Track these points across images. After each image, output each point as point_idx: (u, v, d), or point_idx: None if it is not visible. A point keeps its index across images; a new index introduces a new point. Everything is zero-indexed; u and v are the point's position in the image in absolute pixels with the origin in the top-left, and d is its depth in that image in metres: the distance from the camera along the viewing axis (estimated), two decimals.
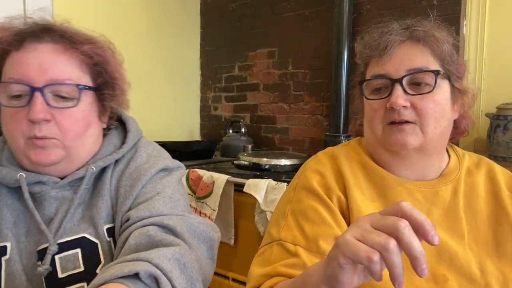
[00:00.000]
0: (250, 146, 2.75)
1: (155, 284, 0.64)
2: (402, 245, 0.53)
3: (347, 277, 0.58)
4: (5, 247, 0.74)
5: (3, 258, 0.73)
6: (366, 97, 0.88)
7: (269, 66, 3.00)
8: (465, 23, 2.20)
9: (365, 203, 0.85)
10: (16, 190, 0.80)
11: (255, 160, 2.28)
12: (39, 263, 0.75)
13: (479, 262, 0.81)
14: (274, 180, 1.98)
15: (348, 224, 0.84)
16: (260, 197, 1.96)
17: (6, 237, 0.75)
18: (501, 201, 0.86)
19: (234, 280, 2.13)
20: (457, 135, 0.94)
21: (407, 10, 2.33)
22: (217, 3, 3.30)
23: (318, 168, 0.90)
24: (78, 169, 0.82)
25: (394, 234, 0.53)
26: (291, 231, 0.84)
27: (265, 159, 2.29)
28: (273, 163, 2.25)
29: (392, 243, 0.53)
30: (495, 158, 1.97)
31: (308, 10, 2.78)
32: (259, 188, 1.97)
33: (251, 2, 3.08)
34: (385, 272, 0.78)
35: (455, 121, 0.91)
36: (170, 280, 0.64)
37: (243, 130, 2.97)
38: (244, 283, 0.87)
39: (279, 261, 0.81)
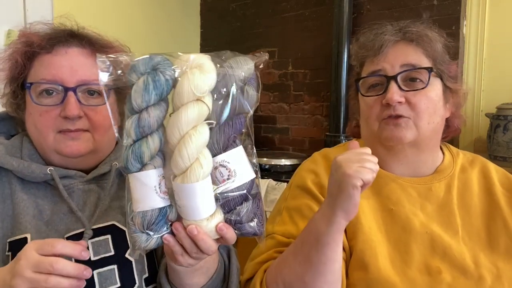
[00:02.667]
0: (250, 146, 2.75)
1: (226, 254, 0.86)
2: None
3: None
4: (25, 238, 0.78)
5: None
6: (362, 94, 0.91)
7: (269, 66, 3.00)
8: (465, 23, 2.20)
9: (360, 201, 0.86)
10: (35, 184, 0.84)
11: (255, 160, 2.28)
12: None
13: (473, 255, 0.83)
14: (274, 180, 1.98)
15: None
16: None
17: (26, 229, 0.78)
18: (494, 197, 0.89)
19: None
20: (450, 134, 0.97)
21: (407, 10, 2.33)
22: (217, 3, 3.30)
23: (312, 167, 0.93)
24: (99, 163, 0.88)
25: None
26: (284, 225, 0.87)
27: (265, 159, 2.29)
28: (273, 163, 2.25)
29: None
30: (495, 158, 1.98)
31: (308, 10, 2.78)
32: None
33: (251, 2, 3.08)
34: (382, 266, 0.79)
35: (447, 120, 0.94)
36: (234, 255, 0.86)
37: (245, 129, 2.97)
38: None
39: (272, 250, 0.84)
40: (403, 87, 0.85)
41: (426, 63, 0.86)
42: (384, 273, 0.79)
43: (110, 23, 2.68)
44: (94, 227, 0.81)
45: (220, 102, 0.61)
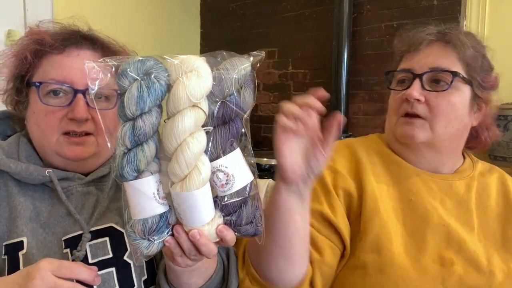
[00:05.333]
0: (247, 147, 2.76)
1: (225, 255, 0.84)
2: None
3: None
4: (21, 242, 0.77)
5: (20, 253, 0.76)
6: (389, 88, 0.94)
7: (269, 66, 3.00)
8: (465, 23, 2.20)
9: (380, 188, 0.88)
10: (33, 186, 0.83)
11: (252, 160, 2.29)
12: (66, 250, 0.79)
13: (487, 253, 0.84)
14: (274, 180, 1.97)
15: (358, 206, 0.86)
16: None
17: (22, 232, 0.78)
18: (511, 202, 0.91)
19: None
20: (477, 145, 0.97)
21: (407, 10, 2.33)
22: (217, 3, 3.30)
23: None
24: (99, 166, 0.87)
25: None
26: None
27: (265, 159, 2.29)
28: (273, 163, 2.24)
29: None
30: (495, 158, 1.97)
31: (308, 10, 2.78)
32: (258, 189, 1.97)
33: (251, 2, 3.08)
34: (396, 251, 0.80)
35: (475, 130, 0.94)
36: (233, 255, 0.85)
37: (243, 130, 2.97)
38: None
39: None
40: (426, 86, 0.86)
41: (458, 67, 0.87)
42: (398, 257, 0.80)
43: (110, 23, 2.68)
44: (92, 229, 0.80)
45: (217, 106, 0.59)
